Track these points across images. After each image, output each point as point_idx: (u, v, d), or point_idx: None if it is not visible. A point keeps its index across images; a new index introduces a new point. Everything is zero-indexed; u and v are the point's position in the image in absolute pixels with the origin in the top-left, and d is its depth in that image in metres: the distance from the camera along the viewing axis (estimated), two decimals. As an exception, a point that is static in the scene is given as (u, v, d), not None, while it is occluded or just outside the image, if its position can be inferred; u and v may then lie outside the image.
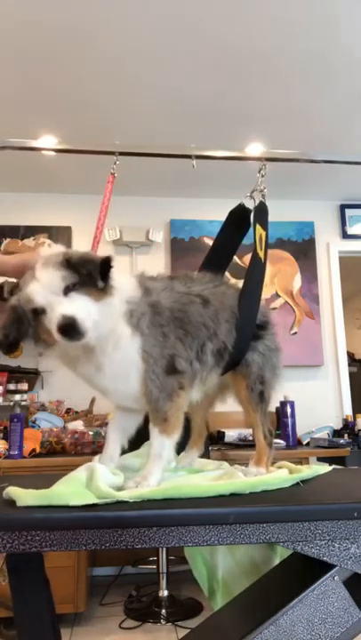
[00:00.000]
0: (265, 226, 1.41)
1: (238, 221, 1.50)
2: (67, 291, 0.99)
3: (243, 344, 1.23)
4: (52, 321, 0.97)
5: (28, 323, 1.01)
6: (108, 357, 1.07)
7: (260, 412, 1.25)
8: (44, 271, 1.01)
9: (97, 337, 1.02)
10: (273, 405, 3.19)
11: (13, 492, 0.98)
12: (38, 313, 0.99)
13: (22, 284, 1.02)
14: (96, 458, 1.18)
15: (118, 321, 1.07)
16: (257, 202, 1.47)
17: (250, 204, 1.49)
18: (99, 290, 1.01)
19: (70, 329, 0.96)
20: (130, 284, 1.13)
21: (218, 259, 1.50)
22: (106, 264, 1.02)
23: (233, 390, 1.28)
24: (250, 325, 1.25)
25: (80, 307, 0.98)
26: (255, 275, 1.34)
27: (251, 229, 1.48)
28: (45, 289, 0.99)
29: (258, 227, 1.39)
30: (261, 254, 1.36)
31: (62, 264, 1.01)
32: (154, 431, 1.10)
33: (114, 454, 1.20)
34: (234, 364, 1.23)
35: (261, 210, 1.44)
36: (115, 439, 1.21)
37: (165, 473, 1.24)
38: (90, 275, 1.01)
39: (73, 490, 0.97)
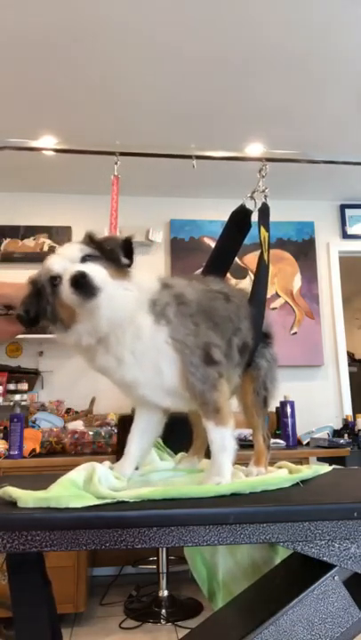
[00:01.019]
0: (268, 227, 1.41)
1: (240, 222, 1.50)
2: (83, 260, 1.00)
3: (255, 344, 1.23)
4: (65, 281, 0.97)
5: (46, 298, 1.01)
6: (128, 348, 1.04)
7: (262, 417, 1.25)
8: (65, 247, 1.05)
9: (112, 320, 1.01)
10: (273, 405, 3.19)
11: (14, 492, 0.98)
12: (55, 284, 0.99)
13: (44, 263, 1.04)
14: (106, 463, 1.16)
15: (138, 311, 1.04)
16: (259, 203, 1.47)
17: (250, 205, 1.49)
18: (118, 269, 1.02)
19: (82, 282, 0.95)
20: (147, 277, 1.12)
21: (221, 261, 1.49)
22: (128, 242, 1.04)
23: (240, 392, 1.26)
24: (260, 327, 1.26)
25: (94, 268, 0.98)
26: (262, 277, 1.34)
27: (252, 230, 1.48)
28: (64, 258, 1.01)
29: (262, 229, 1.39)
30: (266, 256, 1.36)
31: (84, 240, 1.05)
32: (209, 425, 1.08)
33: (133, 461, 1.17)
34: (248, 365, 1.23)
35: (264, 211, 1.44)
36: (136, 445, 1.18)
37: (165, 473, 1.24)
38: (113, 251, 1.02)
39: (71, 493, 0.97)
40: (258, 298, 1.30)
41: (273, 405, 3.13)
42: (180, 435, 1.28)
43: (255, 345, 1.23)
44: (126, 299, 1.01)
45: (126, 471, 1.16)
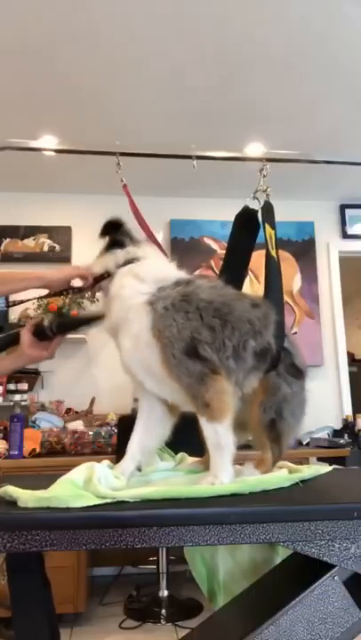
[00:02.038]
0: (273, 225, 1.40)
1: (247, 224, 1.47)
2: None
3: (277, 347, 1.19)
4: None
5: None
6: (125, 306, 1.16)
7: (266, 434, 1.18)
8: None
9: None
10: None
11: (14, 492, 0.98)
12: None
13: None
14: (105, 462, 1.16)
15: (130, 280, 1.18)
16: (262, 202, 1.46)
17: (254, 205, 1.47)
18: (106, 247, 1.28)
19: None
20: (164, 268, 1.23)
21: (234, 265, 1.47)
22: (106, 223, 1.29)
23: (247, 400, 1.19)
24: (282, 327, 1.22)
25: None
26: (273, 275, 1.32)
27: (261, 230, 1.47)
28: None
29: (267, 226, 1.38)
30: (274, 253, 1.35)
31: None
32: (202, 421, 1.08)
33: (133, 459, 1.18)
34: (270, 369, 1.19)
35: (268, 209, 1.43)
36: (137, 444, 1.19)
37: (165, 473, 1.24)
38: None
39: (71, 492, 0.97)
40: (272, 297, 1.26)
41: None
42: (189, 442, 1.26)
43: (277, 348, 1.18)
44: (105, 265, 1.25)
45: (126, 470, 1.16)
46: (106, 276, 1.23)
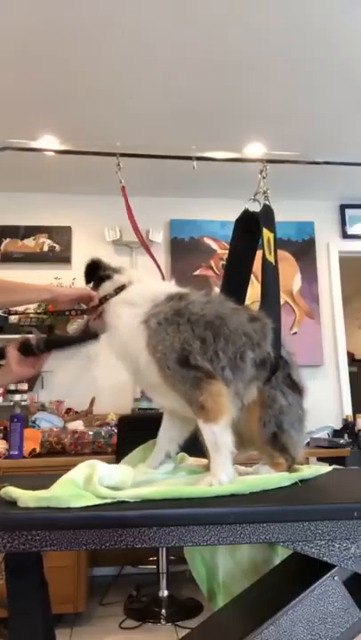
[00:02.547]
0: (272, 228, 1.39)
1: (247, 227, 1.46)
2: None
3: (275, 355, 1.20)
4: None
5: None
6: (124, 330, 1.18)
7: (270, 446, 1.19)
8: None
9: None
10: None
11: (14, 492, 0.98)
12: None
13: None
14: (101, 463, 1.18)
15: (123, 307, 1.21)
16: (262, 204, 1.45)
17: (255, 207, 1.46)
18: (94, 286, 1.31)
19: None
20: (153, 287, 1.25)
21: (237, 269, 1.46)
22: (86, 268, 1.31)
23: (245, 414, 1.19)
24: (278, 333, 1.22)
25: None
26: (269, 279, 1.31)
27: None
28: None
29: (265, 230, 1.37)
30: (271, 258, 1.34)
31: None
32: (199, 423, 1.11)
33: (162, 448, 1.26)
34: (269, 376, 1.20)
35: (266, 212, 1.42)
36: (161, 445, 1.26)
37: (165, 473, 1.24)
38: None
39: (72, 492, 0.97)
40: (269, 302, 1.26)
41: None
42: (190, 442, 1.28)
43: (275, 357, 1.19)
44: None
45: (154, 463, 1.23)
46: (109, 297, 1.25)
